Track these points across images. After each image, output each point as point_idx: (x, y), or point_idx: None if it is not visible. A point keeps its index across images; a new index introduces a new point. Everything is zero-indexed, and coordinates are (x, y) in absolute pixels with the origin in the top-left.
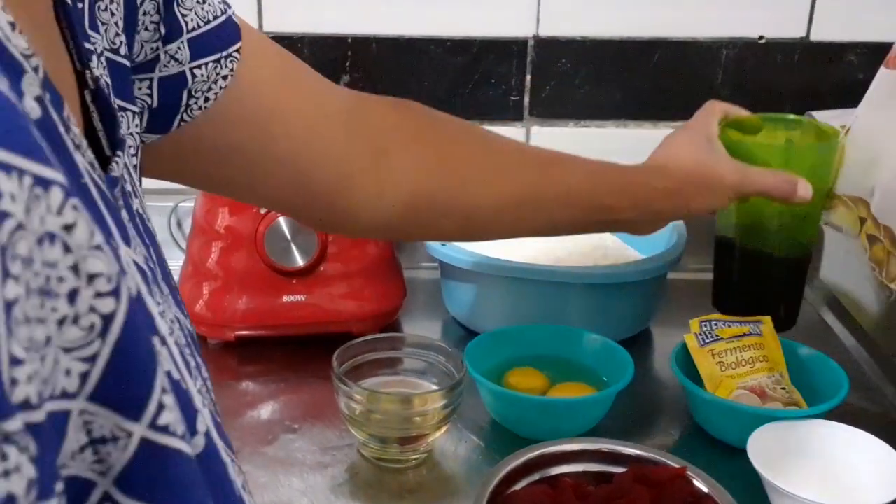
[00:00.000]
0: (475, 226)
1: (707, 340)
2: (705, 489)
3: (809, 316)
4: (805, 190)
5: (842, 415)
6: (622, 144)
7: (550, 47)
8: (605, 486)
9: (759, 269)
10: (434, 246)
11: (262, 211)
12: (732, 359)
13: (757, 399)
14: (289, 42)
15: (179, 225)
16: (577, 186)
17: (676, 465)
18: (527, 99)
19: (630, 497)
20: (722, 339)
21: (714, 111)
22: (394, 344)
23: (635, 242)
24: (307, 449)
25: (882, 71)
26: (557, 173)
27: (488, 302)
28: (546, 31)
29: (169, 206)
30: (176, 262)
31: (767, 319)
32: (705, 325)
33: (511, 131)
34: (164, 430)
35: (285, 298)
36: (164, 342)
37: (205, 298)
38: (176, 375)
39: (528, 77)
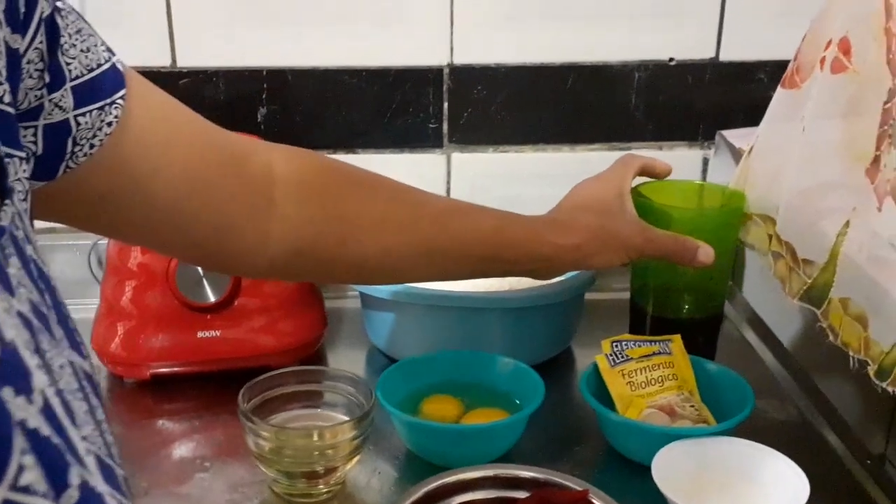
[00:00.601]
0: (366, 274)
1: (618, 361)
2: None
3: (731, 334)
4: (706, 255)
5: (758, 430)
6: (541, 168)
7: (465, 74)
8: None
9: (670, 331)
10: None
11: None
12: (642, 378)
13: (666, 417)
14: (203, 76)
15: (100, 263)
16: (475, 241)
17: (579, 489)
18: (445, 126)
19: None
20: (632, 359)
21: (631, 165)
22: (302, 377)
23: None
24: (218, 487)
25: (779, 91)
26: (456, 228)
27: (407, 330)
28: (460, 58)
29: (88, 245)
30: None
31: (677, 338)
32: (616, 346)
33: (432, 158)
34: (25, 490)
35: (200, 334)
36: (30, 400)
37: (119, 337)
38: (45, 432)
39: (446, 105)
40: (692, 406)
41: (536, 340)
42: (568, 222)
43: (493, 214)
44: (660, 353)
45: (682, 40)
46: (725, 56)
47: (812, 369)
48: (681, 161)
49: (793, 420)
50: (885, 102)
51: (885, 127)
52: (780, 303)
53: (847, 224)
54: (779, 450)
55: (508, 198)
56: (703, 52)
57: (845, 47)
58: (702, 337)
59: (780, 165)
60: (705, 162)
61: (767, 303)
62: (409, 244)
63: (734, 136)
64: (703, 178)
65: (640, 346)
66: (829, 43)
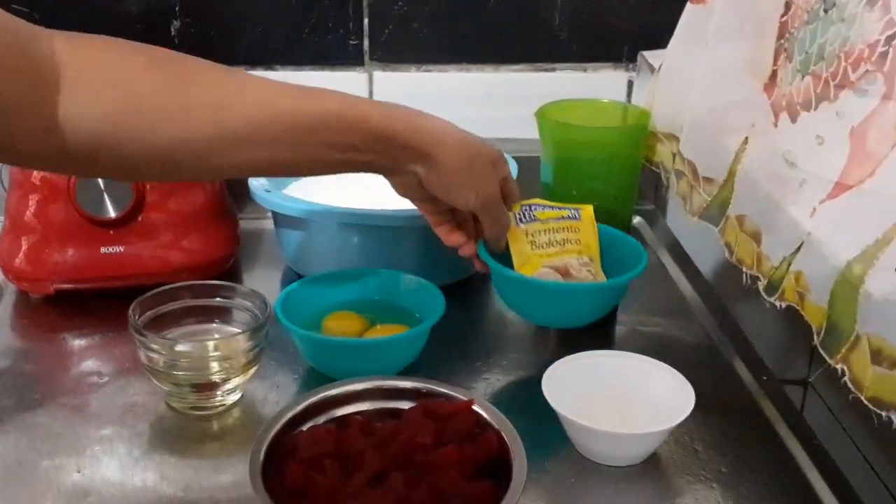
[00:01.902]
0: (176, 168)
1: (524, 220)
2: (491, 420)
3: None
4: (469, 250)
5: (661, 349)
6: (466, 89)
7: None
8: (392, 421)
9: None
10: (259, 194)
11: None
12: (545, 239)
13: (558, 276)
14: None
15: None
16: (302, 124)
17: (465, 399)
18: (366, 43)
19: (413, 430)
20: (539, 220)
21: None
22: (197, 292)
23: None
24: (114, 402)
25: (688, 7)
26: (282, 108)
27: (318, 249)
28: None
29: None
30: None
31: (588, 207)
32: (526, 208)
33: (353, 77)
34: None
35: (103, 250)
36: None
37: (23, 252)
38: None
39: (366, 20)
40: (589, 271)
41: (446, 261)
42: (427, 123)
43: (333, 96)
44: (569, 217)
45: None
46: None
47: (724, 295)
48: (606, 83)
49: (698, 341)
50: (782, 15)
51: (782, 41)
52: (697, 226)
53: (745, 141)
54: (680, 369)
55: None
56: None
57: None
58: None
59: (685, 85)
60: (630, 84)
61: (687, 228)
62: (227, 129)
63: (655, 56)
64: (628, 99)
65: (550, 209)
66: None
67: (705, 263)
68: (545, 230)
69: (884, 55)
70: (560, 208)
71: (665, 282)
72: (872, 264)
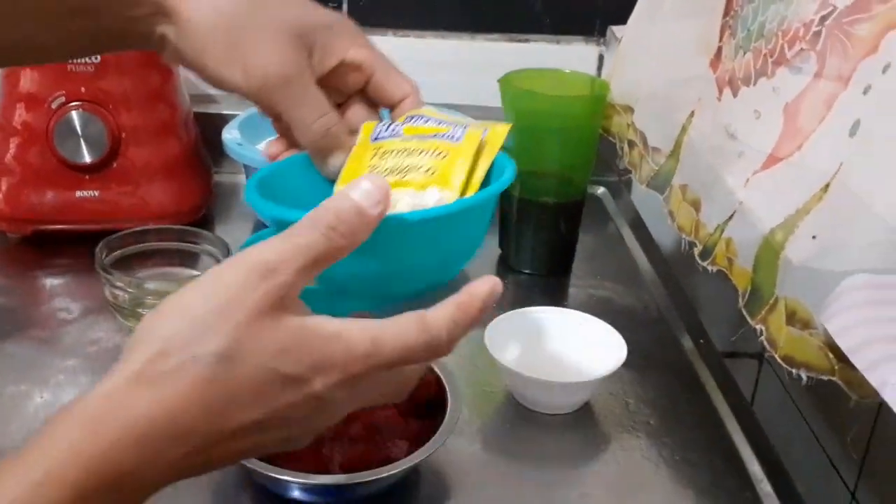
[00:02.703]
0: None
1: (385, 136)
2: (432, 364)
3: (607, 229)
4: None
5: (608, 311)
6: (442, 56)
7: None
8: None
9: (536, 216)
10: (232, 147)
11: (54, 105)
12: (390, 163)
13: None
14: None
15: None
16: None
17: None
18: (345, 6)
19: None
20: (403, 136)
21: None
22: (162, 236)
23: None
24: (81, 337)
25: None
26: None
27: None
28: None
29: None
30: None
31: (479, 130)
32: (407, 120)
33: None
34: None
35: (78, 194)
36: None
37: (2, 193)
38: None
39: None
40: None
41: None
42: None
43: None
44: (444, 137)
45: None
46: None
47: (676, 266)
48: (577, 55)
49: (644, 306)
50: None
51: (727, 18)
52: (656, 199)
53: (692, 114)
54: (623, 331)
55: None
56: None
57: None
58: (563, 221)
59: (642, 59)
60: (601, 57)
61: (648, 201)
62: None
63: (623, 31)
64: (599, 73)
65: (433, 125)
66: None
67: (662, 235)
68: (399, 151)
69: (817, 34)
70: (446, 124)
71: (621, 251)
72: (793, 231)
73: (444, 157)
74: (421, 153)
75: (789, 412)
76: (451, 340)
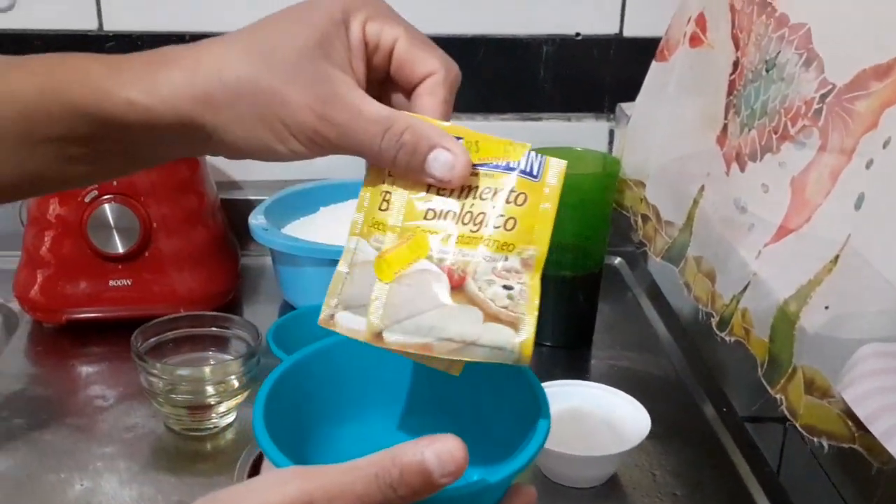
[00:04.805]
0: None
1: None
2: None
3: (625, 297)
4: None
5: (630, 381)
6: None
7: None
8: None
9: (555, 289)
10: (258, 232)
11: (87, 199)
12: (439, 205)
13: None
14: (129, 40)
15: None
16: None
17: None
18: None
19: None
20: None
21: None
22: (194, 322)
23: None
24: (117, 424)
25: (654, 64)
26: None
27: (312, 284)
28: None
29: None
30: None
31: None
32: None
33: None
34: None
35: (112, 283)
36: None
37: (38, 284)
38: None
39: None
40: (508, 289)
41: None
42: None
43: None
44: (503, 168)
45: (588, 16)
46: (629, 32)
47: (695, 334)
48: (588, 132)
49: (665, 375)
50: (731, 74)
51: (731, 97)
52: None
53: (702, 188)
54: (646, 401)
55: None
56: (608, 27)
57: (702, 23)
58: (582, 293)
59: (651, 135)
60: (611, 133)
61: (664, 270)
62: None
63: (631, 108)
64: (610, 148)
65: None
66: (690, 19)
67: (680, 304)
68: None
69: (819, 111)
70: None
71: (640, 320)
72: (806, 302)
73: (525, 203)
74: (488, 193)
75: (816, 476)
76: None
